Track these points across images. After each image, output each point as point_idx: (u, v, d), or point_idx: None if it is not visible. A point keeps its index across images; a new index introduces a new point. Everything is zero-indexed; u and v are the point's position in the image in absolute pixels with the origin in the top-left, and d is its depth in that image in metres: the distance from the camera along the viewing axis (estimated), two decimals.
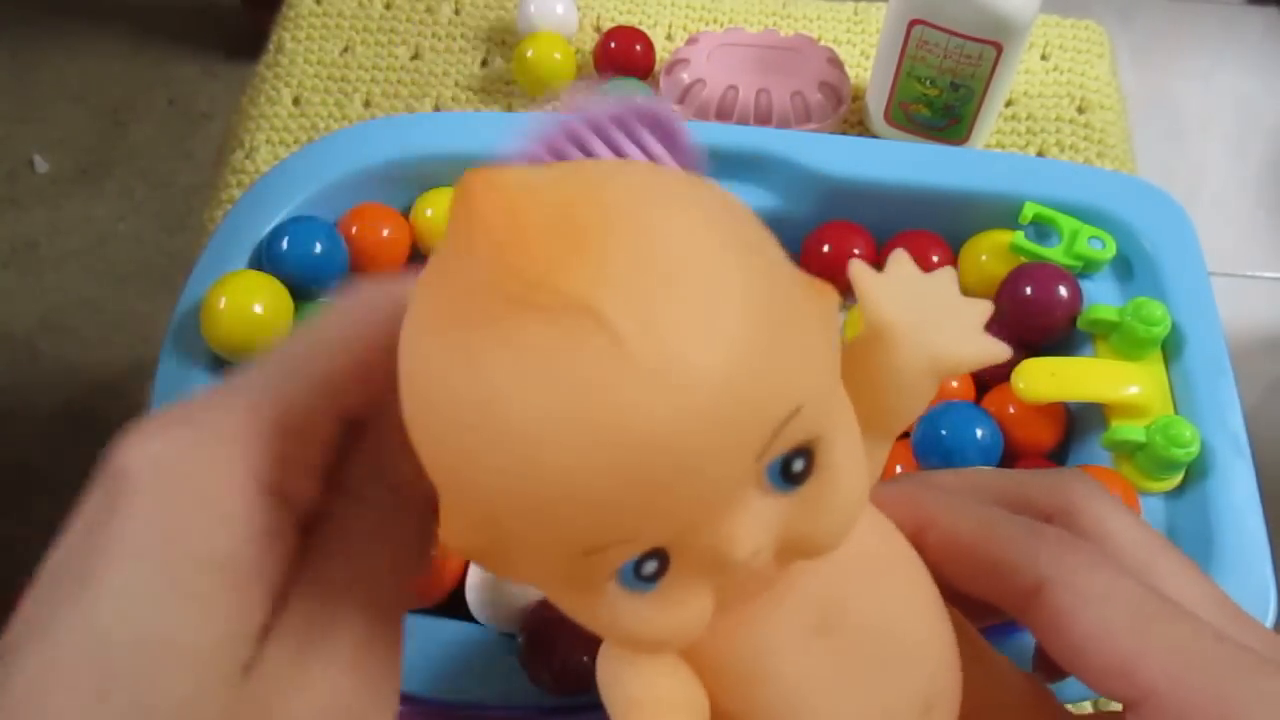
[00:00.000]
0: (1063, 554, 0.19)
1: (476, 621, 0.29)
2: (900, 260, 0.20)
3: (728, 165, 0.37)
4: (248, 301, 0.32)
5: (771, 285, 0.14)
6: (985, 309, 0.20)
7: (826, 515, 0.16)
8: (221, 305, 0.31)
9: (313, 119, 0.49)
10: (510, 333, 0.13)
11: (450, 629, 0.29)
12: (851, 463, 0.16)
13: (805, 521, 0.16)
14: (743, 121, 0.48)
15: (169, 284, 0.34)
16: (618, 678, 0.17)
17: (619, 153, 0.19)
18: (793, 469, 0.15)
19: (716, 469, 0.14)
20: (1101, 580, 0.18)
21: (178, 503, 0.16)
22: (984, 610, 0.21)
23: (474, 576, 0.29)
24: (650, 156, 0.20)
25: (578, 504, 0.14)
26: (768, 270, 0.15)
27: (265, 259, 0.34)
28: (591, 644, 0.27)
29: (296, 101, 0.50)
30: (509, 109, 0.50)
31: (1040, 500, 0.21)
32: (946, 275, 0.21)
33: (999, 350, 0.20)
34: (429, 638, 0.29)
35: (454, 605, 0.29)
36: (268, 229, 0.35)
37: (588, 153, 0.19)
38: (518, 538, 0.15)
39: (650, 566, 0.15)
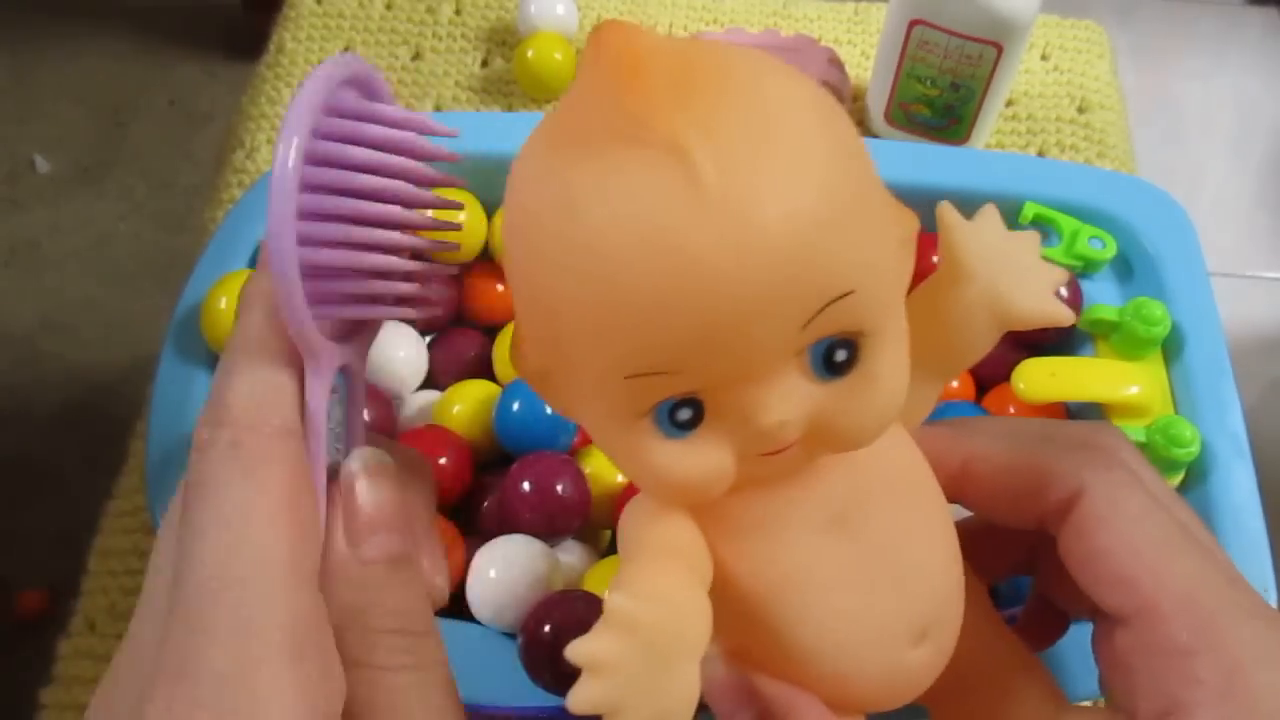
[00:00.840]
0: (1108, 468, 0.20)
1: (477, 621, 0.29)
2: (989, 214, 0.21)
3: None
4: None
5: (856, 179, 0.16)
6: (1061, 275, 0.21)
7: (858, 412, 0.17)
8: (222, 305, 0.31)
9: None
10: (607, 161, 0.15)
11: (450, 629, 0.29)
12: (892, 370, 0.17)
13: (837, 413, 0.17)
14: None
15: (169, 284, 0.34)
16: (634, 523, 0.18)
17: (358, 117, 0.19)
18: (835, 357, 0.16)
19: (764, 321, 0.15)
20: (1137, 499, 0.19)
21: None
22: (1001, 555, 0.22)
23: (474, 577, 0.29)
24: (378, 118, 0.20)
25: (635, 323, 0.15)
26: (856, 166, 0.16)
27: None
28: None
29: None
30: (509, 109, 0.50)
31: (1075, 441, 0.21)
32: (1031, 238, 0.21)
33: (1063, 314, 0.21)
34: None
35: (454, 605, 0.29)
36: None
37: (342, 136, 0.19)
38: (577, 355, 0.16)
39: (685, 414, 0.16)
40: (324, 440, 0.18)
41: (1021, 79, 0.52)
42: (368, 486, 0.19)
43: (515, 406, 0.32)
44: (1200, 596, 0.18)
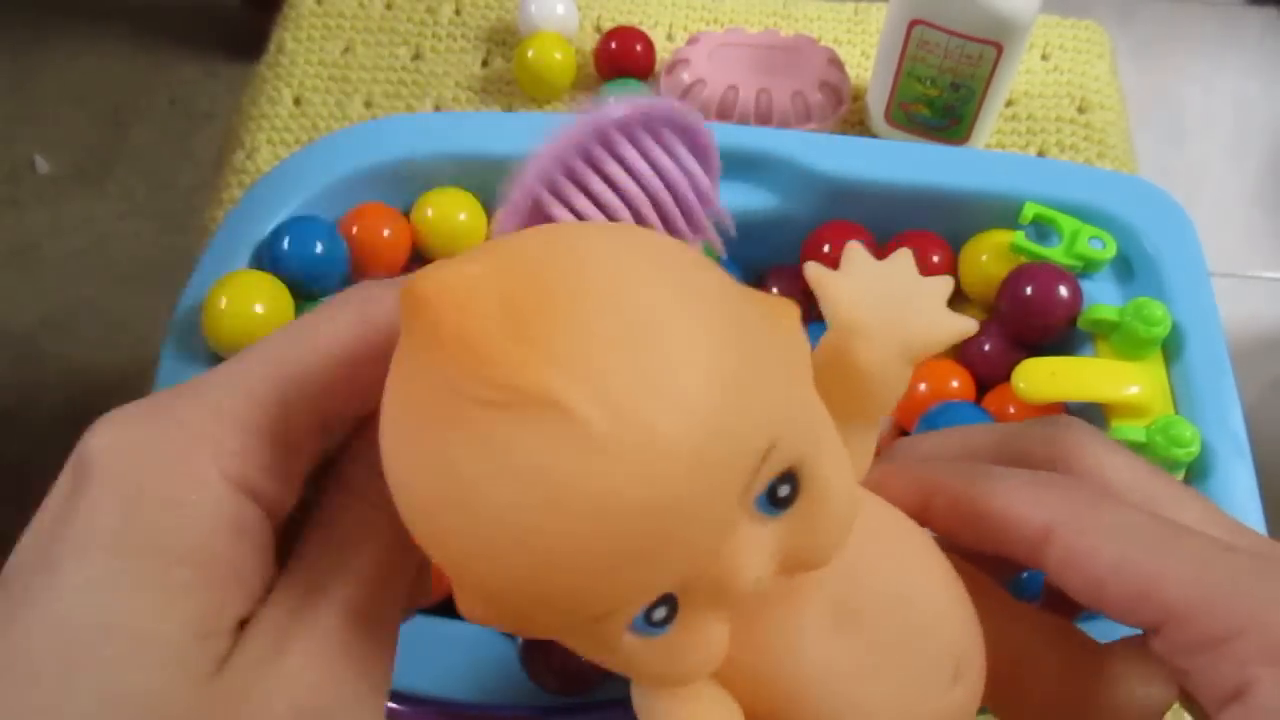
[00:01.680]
0: (1067, 496, 0.19)
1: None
2: (854, 254, 0.21)
3: (728, 165, 0.37)
4: (249, 301, 0.32)
5: (731, 328, 0.14)
6: (946, 286, 0.20)
7: (821, 528, 0.16)
8: (223, 305, 0.31)
9: (313, 119, 0.49)
10: (480, 432, 0.13)
11: (450, 629, 0.29)
12: (837, 474, 0.16)
13: (802, 537, 0.16)
14: (743, 121, 0.48)
15: (169, 284, 0.34)
16: (653, 712, 0.18)
17: (645, 154, 0.20)
18: (779, 495, 0.16)
19: (703, 519, 0.14)
20: (1107, 515, 0.19)
21: (142, 493, 0.15)
22: (1000, 565, 0.22)
23: None
24: (673, 158, 0.20)
25: (575, 583, 0.14)
26: (724, 314, 0.14)
27: (266, 259, 0.34)
28: None
29: (297, 101, 0.50)
30: (510, 109, 0.50)
31: (1036, 451, 0.21)
32: (903, 258, 0.21)
33: (965, 325, 0.20)
34: (429, 637, 0.29)
35: (455, 605, 0.29)
36: (269, 229, 0.35)
37: (615, 155, 0.19)
38: (528, 618, 0.15)
39: (660, 613, 0.16)
40: None
41: (1022, 79, 0.52)
42: None
43: None
44: (1213, 582, 0.18)
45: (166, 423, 0.16)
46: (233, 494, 0.16)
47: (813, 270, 0.20)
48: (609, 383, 0.13)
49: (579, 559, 0.14)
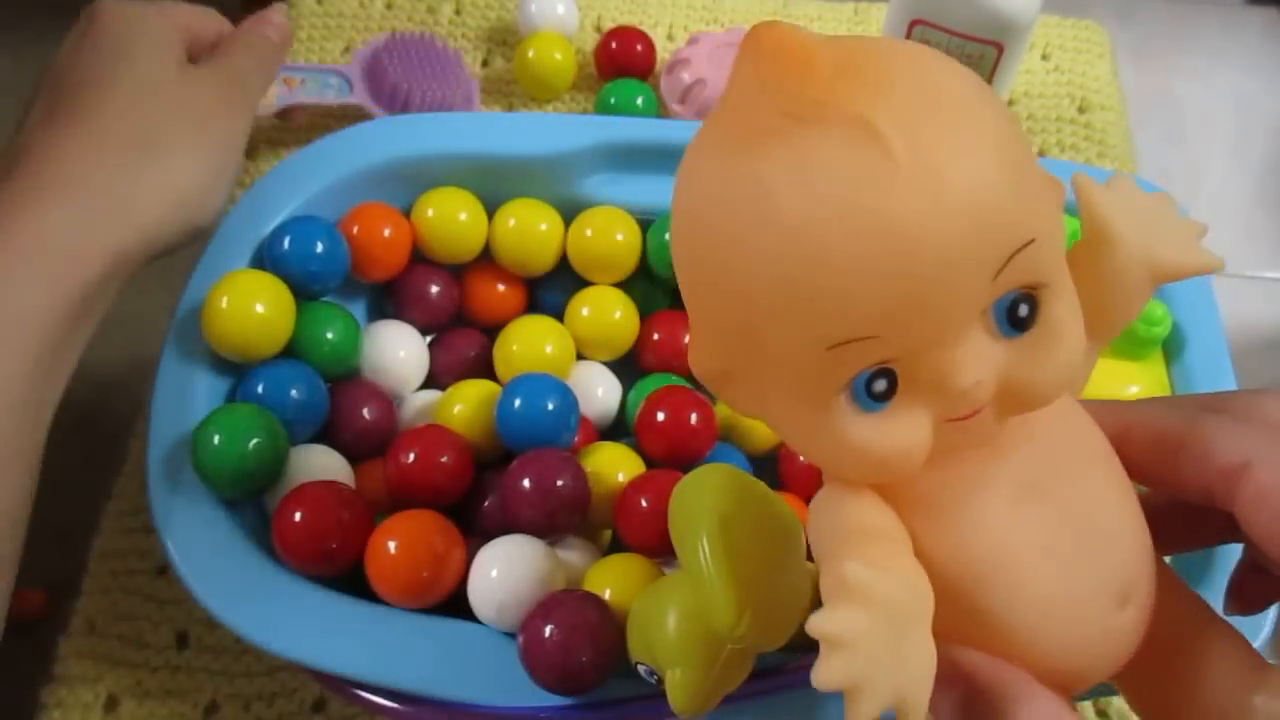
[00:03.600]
0: (1270, 436, 0.19)
1: (478, 621, 0.29)
2: (1122, 179, 0.22)
3: None
4: (250, 301, 0.32)
5: (1020, 142, 0.17)
6: (1201, 228, 0.21)
7: (1045, 365, 0.17)
8: (223, 305, 0.31)
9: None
10: (791, 141, 0.15)
11: (451, 629, 0.29)
12: (1072, 321, 0.17)
13: (1025, 368, 0.17)
14: None
15: (169, 284, 0.34)
16: (829, 512, 0.18)
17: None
18: (1018, 313, 0.17)
19: (960, 274, 0.16)
20: None
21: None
22: (1178, 529, 0.22)
23: (476, 576, 0.29)
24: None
25: (839, 290, 0.15)
26: (1018, 132, 0.17)
27: (267, 259, 0.34)
28: (592, 645, 0.27)
29: None
30: (510, 109, 0.50)
31: (1238, 410, 0.21)
32: (1164, 198, 0.22)
33: (1213, 261, 0.21)
34: (430, 637, 0.29)
35: (455, 605, 0.29)
36: (268, 229, 0.35)
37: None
38: (774, 338, 0.17)
39: (881, 384, 0.17)
40: None
41: (1022, 79, 0.52)
42: None
43: (516, 404, 0.32)
44: None
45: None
46: None
47: (1081, 177, 0.21)
48: (914, 122, 0.15)
49: (848, 262, 0.15)
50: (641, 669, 0.26)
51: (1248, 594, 0.23)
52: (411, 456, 0.31)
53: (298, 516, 0.29)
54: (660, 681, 0.25)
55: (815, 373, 0.17)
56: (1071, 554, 0.19)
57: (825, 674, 0.16)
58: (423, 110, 0.48)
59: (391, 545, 0.29)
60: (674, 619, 0.25)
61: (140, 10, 0.34)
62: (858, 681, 0.16)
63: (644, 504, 0.30)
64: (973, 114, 0.16)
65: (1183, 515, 0.22)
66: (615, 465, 0.33)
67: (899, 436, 0.17)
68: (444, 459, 0.31)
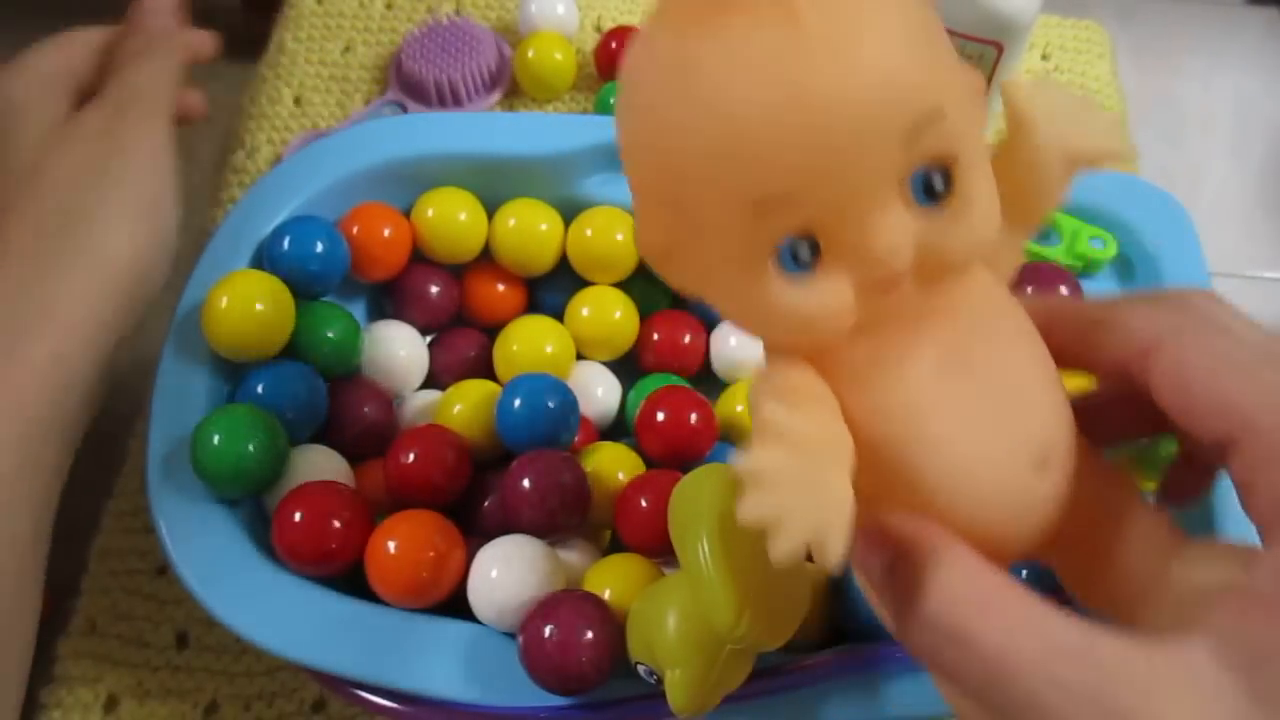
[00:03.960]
0: (1179, 315, 0.20)
1: (478, 621, 0.29)
2: (1050, 81, 0.23)
3: None
4: (250, 301, 0.32)
5: (930, 24, 0.18)
6: (1118, 118, 0.22)
7: (959, 234, 0.18)
8: (223, 305, 0.31)
9: (314, 119, 0.49)
10: (714, 23, 0.17)
11: (451, 629, 0.29)
12: (986, 192, 0.19)
13: (941, 237, 0.18)
14: None
15: (169, 284, 0.34)
16: (767, 379, 0.20)
17: None
18: (933, 184, 0.18)
19: (870, 138, 0.17)
20: (1212, 331, 0.19)
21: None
22: (1112, 420, 0.23)
23: (475, 577, 0.29)
24: None
25: (756, 154, 0.17)
26: (929, 17, 0.18)
27: (267, 259, 0.34)
28: (592, 645, 0.27)
29: (298, 101, 0.50)
30: (510, 109, 0.50)
31: (1158, 296, 0.21)
32: (1088, 97, 0.23)
33: (1129, 153, 0.22)
34: (429, 637, 0.29)
35: (455, 605, 0.29)
36: (268, 229, 0.35)
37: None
38: (706, 203, 0.18)
39: (804, 250, 0.18)
40: None
41: (1022, 79, 0.52)
42: None
43: (516, 404, 0.32)
44: None
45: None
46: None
47: (1006, 82, 0.22)
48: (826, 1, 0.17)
49: (768, 128, 0.17)
50: (641, 669, 0.26)
51: (1177, 485, 0.24)
52: (411, 456, 0.31)
53: (298, 516, 0.29)
54: (660, 681, 0.25)
55: (743, 238, 0.18)
56: (991, 420, 0.20)
57: (744, 510, 0.17)
58: (473, 95, 0.49)
59: (391, 545, 0.29)
60: (674, 619, 0.25)
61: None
62: (776, 516, 0.17)
63: (644, 504, 0.30)
64: (888, 19, 0.17)
65: (1115, 406, 0.23)
66: (615, 465, 0.33)
67: (824, 299, 0.18)
68: (444, 459, 0.31)
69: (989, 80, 0.44)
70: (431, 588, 0.29)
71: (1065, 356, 0.21)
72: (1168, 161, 1.30)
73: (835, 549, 0.17)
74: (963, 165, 0.18)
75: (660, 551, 0.30)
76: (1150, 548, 0.21)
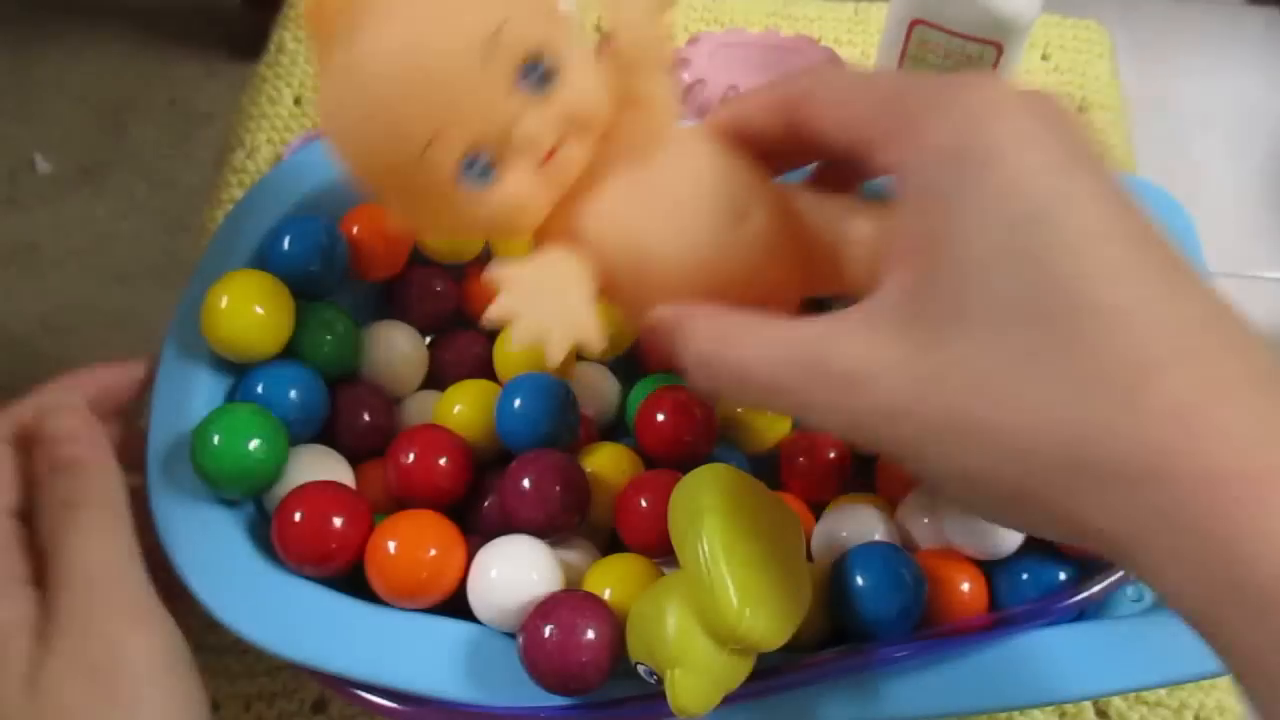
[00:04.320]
0: (815, 74, 0.25)
1: (478, 622, 0.29)
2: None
3: None
4: (250, 301, 0.32)
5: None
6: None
7: (577, 96, 0.24)
8: (223, 305, 0.31)
9: (314, 119, 0.49)
10: (341, 51, 0.23)
11: (450, 629, 0.29)
12: (586, 75, 0.25)
13: (565, 105, 0.24)
14: None
15: (169, 284, 0.34)
16: (515, 265, 0.25)
17: None
18: (537, 73, 0.23)
19: (456, 74, 0.22)
20: (842, 78, 0.24)
21: None
22: (781, 154, 0.27)
23: (475, 577, 0.29)
24: None
25: (397, 117, 0.23)
26: None
27: (267, 259, 0.34)
28: (592, 646, 0.27)
29: (298, 101, 0.50)
30: None
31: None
32: None
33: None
34: (429, 637, 0.29)
35: (455, 605, 0.29)
36: (268, 228, 0.35)
37: None
38: (391, 169, 0.24)
39: (479, 163, 0.24)
40: None
41: (1022, 79, 0.52)
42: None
43: (516, 404, 0.32)
44: (897, 109, 0.22)
45: None
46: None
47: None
48: (389, 3, 0.23)
49: (395, 102, 0.23)
50: (641, 669, 0.26)
51: (826, 179, 0.29)
52: (411, 457, 0.31)
53: (298, 516, 0.29)
54: (660, 682, 0.25)
55: (428, 175, 0.23)
56: (669, 200, 0.25)
57: (491, 310, 0.24)
58: None
59: (391, 545, 0.29)
60: (674, 619, 0.25)
61: None
62: (514, 312, 0.23)
63: (644, 504, 0.30)
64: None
65: (784, 144, 0.26)
66: (615, 465, 0.33)
67: (511, 189, 0.24)
68: (443, 460, 0.31)
69: None
70: (431, 588, 0.29)
71: (756, 136, 0.26)
72: (1168, 161, 1.30)
73: (557, 349, 0.23)
74: (553, 51, 0.24)
75: (660, 551, 0.30)
76: (836, 212, 0.26)
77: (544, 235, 0.26)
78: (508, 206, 0.24)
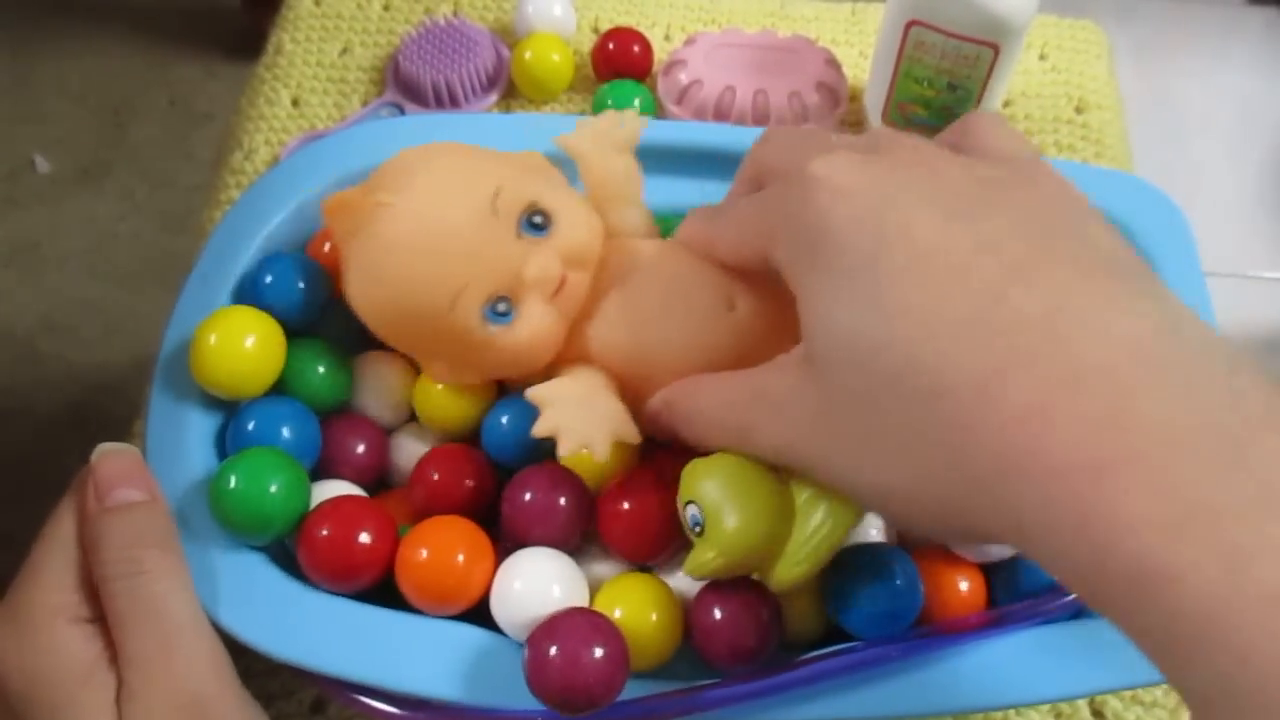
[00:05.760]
0: (717, 212, 0.29)
1: (500, 631, 0.29)
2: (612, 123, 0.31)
3: (725, 165, 0.37)
4: (239, 338, 0.30)
5: (487, 171, 0.29)
6: (638, 121, 0.31)
7: (572, 241, 0.28)
8: (212, 342, 0.30)
9: (311, 120, 0.49)
10: (368, 238, 0.28)
11: (451, 630, 0.29)
12: (577, 216, 0.28)
13: (561, 246, 0.28)
14: (740, 122, 0.48)
15: (169, 284, 0.34)
16: (544, 386, 0.28)
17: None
18: (535, 222, 0.28)
19: (471, 235, 0.27)
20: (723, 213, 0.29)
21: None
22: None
23: (499, 589, 0.29)
24: None
25: (427, 280, 0.27)
26: (487, 165, 0.29)
27: (249, 297, 0.32)
28: (596, 667, 0.26)
29: (295, 103, 0.50)
30: (507, 110, 0.50)
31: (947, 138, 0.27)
32: (614, 115, 0.31)
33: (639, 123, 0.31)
34: (430, 638, 0.29)
35: (478, 615, 0.29)
36: (267, 229, 0.34)
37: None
38: (429, 329, 0.28)
39: (501, 305, 0.28)
40: None
41: (1019, 79, 0.52)
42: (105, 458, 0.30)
43: (504, 421, 0.31)
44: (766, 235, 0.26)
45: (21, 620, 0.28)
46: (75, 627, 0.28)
47: (558, 138, 0.31)
48: (409, 189, 0.28)
49: (422, 268, 0.27)
50: (692, 511, 0.26)
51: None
52: (436, 475, 0.31)
53: (324, 533, 0.29)
54: (702, 533, 0.26)
55: (460, 325, 0.28)
56: (660, 304, 0.29)
57: (537, 427, 0.27)
58: (470, 97, 0.49)
59: (423, 552, 0.28)
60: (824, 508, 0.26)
61: None
62: (559, 427, 0.27)
63: (626, 507, 0.29)
64: (448, 171, 0.28)
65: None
66: (607, 471, 0.32)
67: (532, 322, 0.28)
68: (469, 481, 0.31)
69: (985, 81, 0.44)
70: (460, 593, 0.29)
71: (734, 248, 0.28)
72: (1167, 161, 1.30)
73: (601, 449, 0.27)
74: (546, 201, 0.28)
75: (644, 555, 0.29)
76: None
77: (558, 361, 0.29)
78: (531, 335, 0.28)
